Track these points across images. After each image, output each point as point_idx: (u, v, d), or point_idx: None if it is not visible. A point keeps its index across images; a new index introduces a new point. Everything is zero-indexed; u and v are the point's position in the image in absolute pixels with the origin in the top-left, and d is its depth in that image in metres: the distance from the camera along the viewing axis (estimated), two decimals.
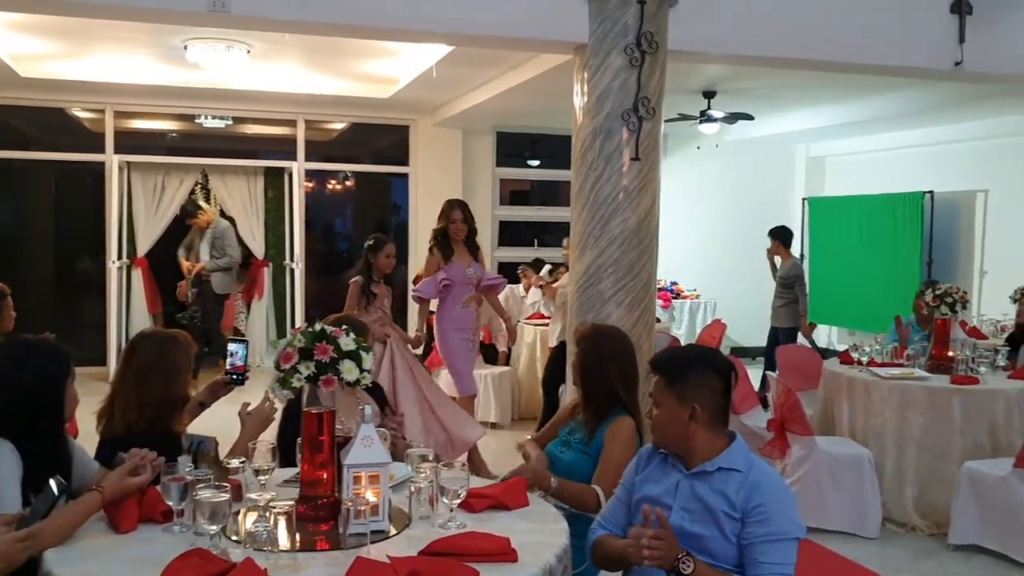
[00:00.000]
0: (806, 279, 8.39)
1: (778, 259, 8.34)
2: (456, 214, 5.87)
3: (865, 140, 10.61)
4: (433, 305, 6.11)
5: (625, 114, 5.27)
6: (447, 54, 6.93)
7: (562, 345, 6.20)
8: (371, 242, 5.64)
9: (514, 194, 11.37)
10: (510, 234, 11.10)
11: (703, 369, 2.45)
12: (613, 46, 5.27)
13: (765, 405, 6.23)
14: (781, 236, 8.32)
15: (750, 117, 8.85)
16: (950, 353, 5.31)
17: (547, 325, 7.35)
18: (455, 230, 5.86)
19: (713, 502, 2.35)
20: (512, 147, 11.02)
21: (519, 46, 6.04)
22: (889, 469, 4.98)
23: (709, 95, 8.59)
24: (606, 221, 5.33)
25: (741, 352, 10.53)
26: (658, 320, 7.93)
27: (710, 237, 11.28)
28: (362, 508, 2.24)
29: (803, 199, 11.13)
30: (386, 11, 5.18)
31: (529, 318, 8.08)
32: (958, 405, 4.87)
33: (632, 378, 3.16)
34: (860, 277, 9.78)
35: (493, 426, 7.27)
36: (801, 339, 8.28)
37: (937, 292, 5.40)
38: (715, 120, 8.82)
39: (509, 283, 7.49)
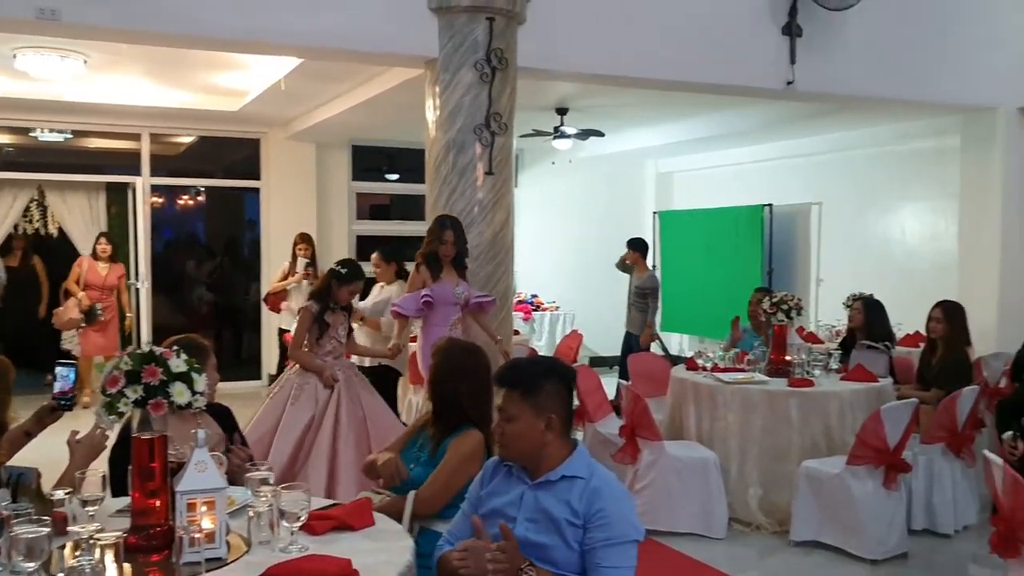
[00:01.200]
0: (659, 291, 8.66)
1: (635, 269, 8.60)
2: (448, 235, 5.25)
3: (710, 156, 11.08)
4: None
5: (477, 128, 5.32)
6: (296, 67, 6.81)
7: None
8: (343, 271, 5.08)
9: (374, 208, 11.27)
10: (371, 248, 10.95)
11: (554, 379, 2.49)
12: (464, 61, 5.31)
13: (619, 412, 6.37)
14: (639, 247, 8.58)
15: (601, 134, 9.10)
16: (788, 358, 5.59)
17: None
18: (446, 251, 5.28)
19: (556, 511, 2.38)
20: (369, 161, 10.91)
21: (369, 60, 6.00)
22: (734, 471, 5.18)
23: (562, 112, 8.78)
24: None
25: (599, 361, 10.79)
26: (517, 332, 8.06)
27: (568, 250, 11.50)
28: (196, 536, 2.15)
29: (654, 213, 11.51)
30: (228, 23, 5.05)
31: None
32: (795, 407, 5.13)
33: (482, 393, 3.16)
34: (707, 286, 10.19)
35: None
36: (655, 347, 8.56)
37: (774, 300, 5.67)
38: (568, 136, 9.03)
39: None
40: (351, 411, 4.98)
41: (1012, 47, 7.36)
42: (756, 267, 9.59)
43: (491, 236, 5.44)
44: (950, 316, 5.66)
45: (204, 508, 2.22)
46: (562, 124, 8.91)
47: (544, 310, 11.16)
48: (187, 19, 4.93)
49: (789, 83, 6.44)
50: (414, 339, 5.79)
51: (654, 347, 8.56)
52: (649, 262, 9.37)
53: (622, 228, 10.39)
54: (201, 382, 2.30)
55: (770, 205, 9.72)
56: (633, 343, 8.34)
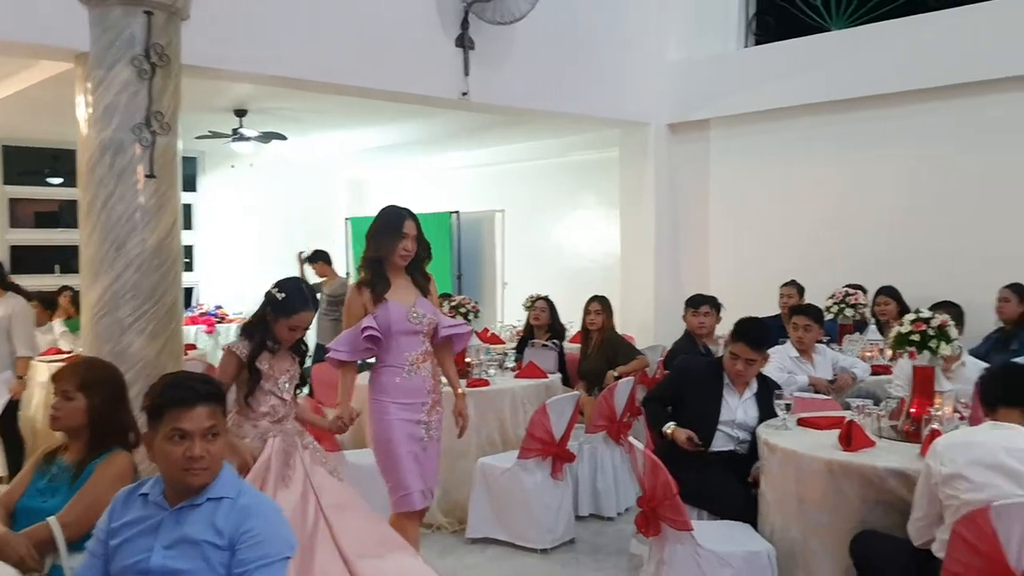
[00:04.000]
0: None
1: (326, 279, 8.48)
2: (410, 226, 3.85)
3: (400, 162, 11.23)
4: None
5: (136, 128, 4.95)
6: None
7: None
8: (281, 295, 3.53)
9: (40, 216, 10.19)
10: (34, 260, 9.91)
11: (211, 400, 2.38)
12: (119, 57, 4.93)
13: None
14: (320, 258, 8.44)
15: (283, 137, 8.88)
16: (467, 360, 5.76)
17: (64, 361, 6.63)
18: (402, 253, 3.83)
19: (197, 534, 2.25)
20: (29, 163, 9.86)
21: (7, 51, 5.38)
22: None
23: (241, 113, 8.45)
24: (121, 243, 4.96)
25: None
26: (193, 347, 7.63)
27: (256, 258, 11.09)
28: None
29: (346, 219, 11.44)
30: None
31: (44, 353, 7.23)
32: (473, 406, 5.25)
33: (118, 410, 2.96)
34: None
35: None
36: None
37: (452, 304, 5.83)
38: (248, 139, 8.72)
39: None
40: (300, 513, 3.29)
41: (660, 68, 8.14)
42: (446, 272, 9.84)
43: (156, 243, 5.07)
44: (607, 307, 6.17)
45: None
46: (241, 126, 8.59)
47: (229, 322, 10.68)
48: None
49: (464, 94, 6.65)
50: None
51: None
52: (341, 269, 9.31)
53: (312, 235, 10.21)
54: None
55: (457, 212, 10.02)
56: (323, 354, 8.18)
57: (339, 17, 6.06)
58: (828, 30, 7.55)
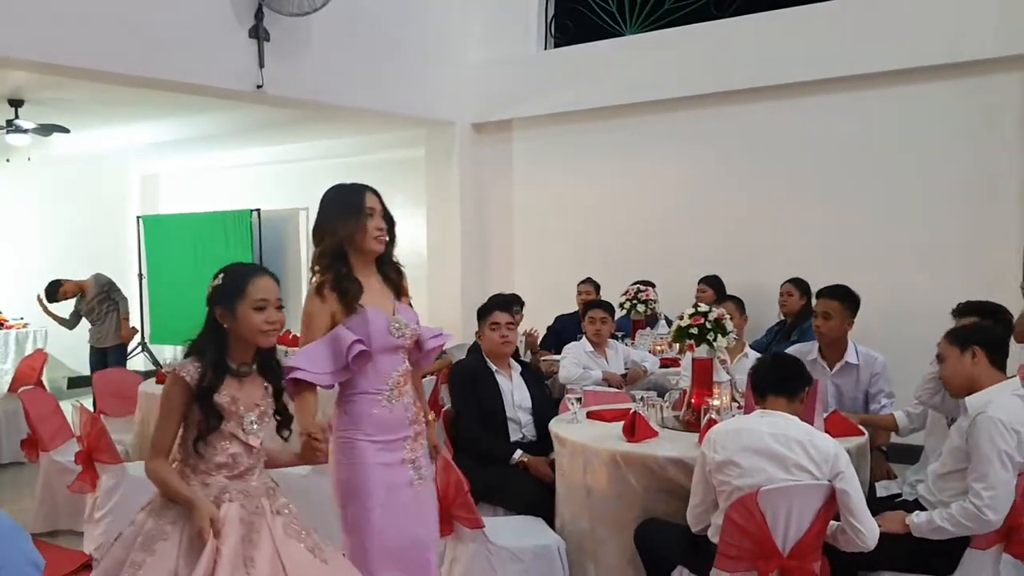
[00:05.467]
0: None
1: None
2: (374, 200, 2.97)
3: (196, 158, 10.69)
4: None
5: None
6: None
7: None
8: (220, 279, 2.56)
9: None
10: None
11: None
12: None
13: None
14: (58, 284, 7.55)
15: (65, 130, 8.23)
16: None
17: None
18: (376, 235, 2.94)
19: None
20: None
21: None
22: None
23: (16, 103, 7.76)
24: None
25: (82, 382, 9.78)
26: None
27: (38, 259, 10.26)
28: None
29: (138, 217, 10.79)
30: None
31: None
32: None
33: None
34: (198, 294, 9.77)
35: None
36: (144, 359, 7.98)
37: None
38: (25, 131, 8.02)
39: None
40: None
41: (463, 67, 8.16)
42: None
43: None
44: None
45: None
46: (16, 117, 7.88)
47: (9, 327, 9.84)
48: None
49: (259, 87, 6.40)
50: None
51: (143, 359, 7.98)
52: (133, 269, 8.75)
53: (101, 235, 9.58)
54: None
55: (258, 210, 9.66)
56: (110, 359, 7.65)
57: (126, 4, 5.67)
58: (623, 35, 7.81)
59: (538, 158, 8.18)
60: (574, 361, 5.44)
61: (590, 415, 4.14)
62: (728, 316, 4.02)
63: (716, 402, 3.84)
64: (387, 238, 2.98)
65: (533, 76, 7.98)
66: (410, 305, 3.11)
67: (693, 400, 3.89)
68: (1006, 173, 6.01)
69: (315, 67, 6.78)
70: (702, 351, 3.92)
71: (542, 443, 4.23)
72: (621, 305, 6.40)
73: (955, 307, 3.96)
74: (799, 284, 6.12)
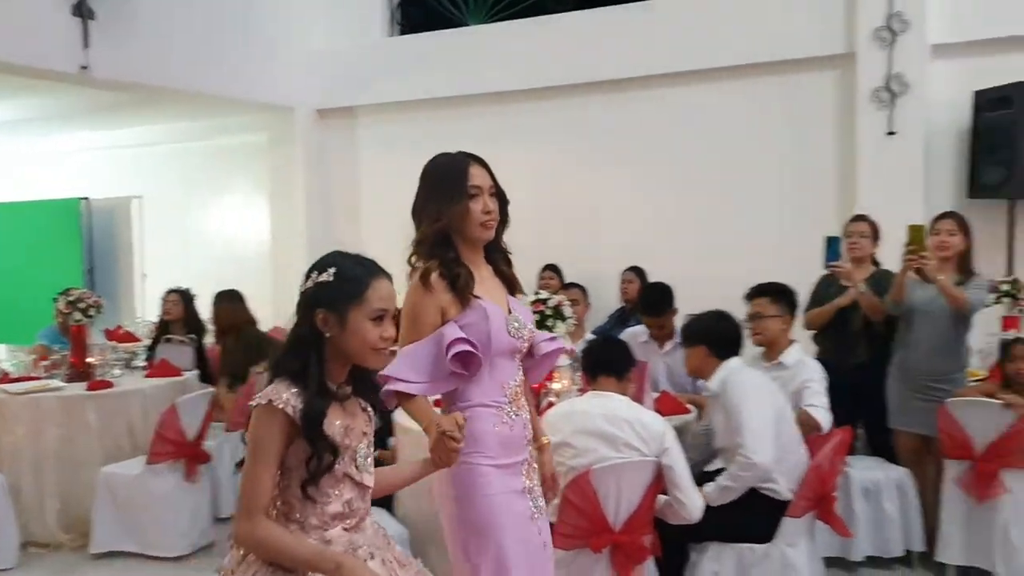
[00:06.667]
0: None
1: None
2: (481, 175, 2.47)
3: (16, 142, 9.98)
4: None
5: None
6: None
7: None
8: (330, 274, 1.96)
9: None
10: None
11: None
12: None
13: None
14: None
15: None
16: (89, 359, 5.26)
17: None
18: (483, 218, 2.44)
19: None
20: None
21: None
22: (27, 489, 4.71)
23: None
24: None
25: None
26: None
27: None
28: None
29: None
30: None
31: None
32: (93, 411, 4.83)
33: None
34: (19, 288, 9.16)
35: None
36: None
37: (71, 299, 5.29)
38: None
39: None
40: None
41: (306, 52, 7.98)
42: (75, 265, 8.92)
43: None
44: (235, 300, 5.91)
45: None
46: None
47: None
48: None
49: (83, 68, 6.04)
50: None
51: None
52: None
53: None
54: None
55: (87, 199, 9.14)
56: None
57: None
58: (467, 24, 7.84)
59: (386, 146, 8.09)
60: None
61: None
62: (572, 302, 4.12)
63: (556, 386, 3.92)
64: (497, 220, 2.45)
65: (378, 63, 7.89)
66: (525, 301, 2.57)
67: (534, 385, 3.96)
68: (821, 164, 6.40)
69: (146, 48, 6.46)
70: None
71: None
72: None
73: (747, 291, 4.17)
74: (639, 272, 6.33)
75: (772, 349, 4.00)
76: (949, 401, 4.05)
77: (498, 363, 2.39)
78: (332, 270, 1.94)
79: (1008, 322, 4.97)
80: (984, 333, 4.79)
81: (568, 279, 6.53)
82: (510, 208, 2.56)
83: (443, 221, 2.38)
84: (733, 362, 3.53)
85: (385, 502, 3.88)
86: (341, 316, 1.92)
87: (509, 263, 2.53)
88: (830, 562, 4.10)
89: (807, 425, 3.67)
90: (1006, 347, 4.15)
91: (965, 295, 4.13)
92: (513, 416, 2.40)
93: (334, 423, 1.93)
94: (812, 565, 3.50)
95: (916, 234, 4.17)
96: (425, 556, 3.65)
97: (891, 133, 5.97)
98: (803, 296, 4.49)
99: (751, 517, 3.33)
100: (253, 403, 1.89)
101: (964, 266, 4.28)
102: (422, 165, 2.60)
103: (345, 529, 1.97)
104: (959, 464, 4.06)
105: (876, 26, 5.96)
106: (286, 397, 1.87)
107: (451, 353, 2.29)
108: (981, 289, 4.29)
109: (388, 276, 2.02)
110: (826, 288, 4.71)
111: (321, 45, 8.03)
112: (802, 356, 4.00)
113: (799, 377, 3.87)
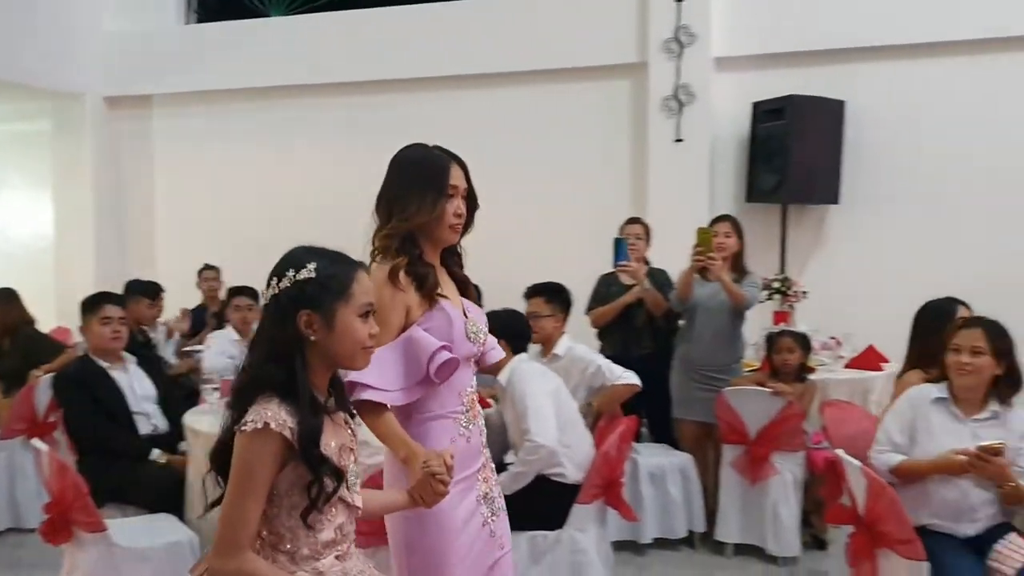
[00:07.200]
0: None
1: None
2: (459, 176, 2.32)
3: None
4: None
5: None
6: None
7: None
8: (310, 269, 1.76)
9: None
10: None
11: None
12: None
13: None
14: None
15: None
16: None
17: None
18: (453, 222, 2.30)
19: None
20: None
21: None
22: None
23: None
24: None
25: None
26: None
27: None
28: None
29: None
30: None
31: None
32: None
33: None
34: None
35: None
36: None
37: None
38: None
39: None
40: None
41: (96, 36, 7.52)
42: None
43: None
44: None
45: None
46: None
47: None
48: None
49: None
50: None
51: None
52: None
53: None
54: None
55: None
56: None
57: None
58: (267, 15, 7.65)
59: (183, 137, 7.75)
60: (219, 351, 5.26)
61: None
62: None
63: None
64: (459, 234, 2.33)
65: (174, 51, 7.55)
66: (478, 303, 2.48)
67: None
68: (618, 168, 6.69)
69: None
70: None
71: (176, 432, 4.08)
72: (262, 294, 6.28)
73: (524, 291, 4.33)
74: None
75: (547, 345, 4.22)
76: (726, 390, 4.38)
77: (457, 375, 2.25)
78: (312, 265, 1.74)
79: (779, 316, 5.39)
80: (759, 328, 5.18)
81: None
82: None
83: (418, 218, 2.23)
84: (520, 356, 3.67)
85: (175, 506, 3.75)
86: (328, 315, 1.72)
87: (462, 266, 2.43)
88: (620, 546, 4.34)
89: (627, 394, 4.01)
90: (771, 340, 4.53)
91: (743, 292, 4.48)
92: (470, 426, 2.29)
93: (329, 443, 1.73)
94: (602, 549, 3.69)
95: (704, 236, 4.46)
96: None
97: (679, 140, 6.34)
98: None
99: (542, 504, 3.46)
100: (245, 428, 1.64)
101: (738, 265, 4.63)
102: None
103: (336, 557, 1.78)
104: (735, 449, 4.39)
105: (665, 38, 6.32)
106: (281, 417, 1.65)
107: (438, 363, 2.14)
108: (755, 287, 4.66)
109: (366, 267, 1.88)
110: (607, 287, 4.96)
111: (112, 30, 7.60)
112: (571, 344, 4.22)
113: (577, 364, 4.11)
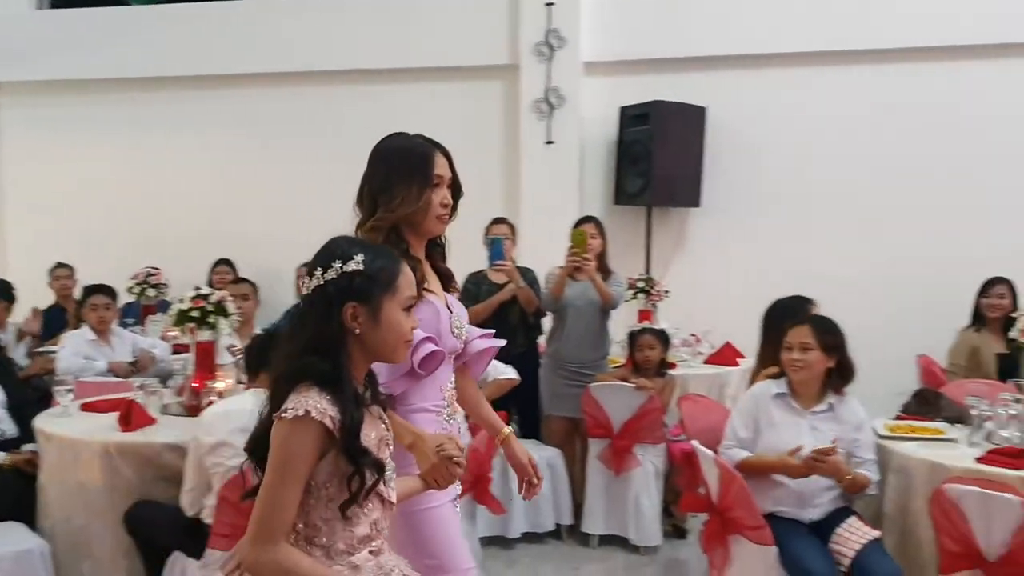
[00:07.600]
0: None
1: None
2: (444, 166, 2.26)
3: None
4: None
5: None
6: None
7: None
8: (357, 260, 1.71)
9: None
10: None
11: None
12: None
13: None
14: None
15: None
16: None
17: None
18: (439, 213, 2.24)
19: None
20: None
21: None
22: None
23: None
24: None
25: None
26: None
27: None
28: None
29: None
30: None
31: None
32: None
33: None
34: None
35: None
36: None
37: None
38: None
39: None
40: None
41: None
42: None
43: None
44: None
45: None
46: None
47: None
48: None
49: None
50: None
51: None
52: None
53: None
54: None
55: None
56: None
57: None
58: (128, 4, 7.37)
59: (34, 129, 7.36)
60: (74, 351, 5.03)
61: (84, 407, 3.89)
62: (241, 297, 4.04)
63: (220, 385, 3.83)
64: (445, 225, 2.29)
65: (25, 37, 7.18)
66: (459, 297, 2.44)
67: (195, 384, 3.84)
68: (492, 170, 6.77)
69: None
70: (204, 334, 3.89)
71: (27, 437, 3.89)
72: (130, 290, 6.06)
73: None
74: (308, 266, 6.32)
75: None
76: (591, 385, 4.51)
77: (441, 370, 2.24)
78: (360, 257, 1.71)
79: (643, 315, 5.57)
80: (624, 326, 5.34)
81: (244, 274, 6.34)
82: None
83: (403, 209, 2.18)
84: None
85: (26, 515, 3.57)
86: (374, 308, 1.70)
87: (445, 258, 2.39)
88: (489, 541, 4.41)
89: (507, 387, 4.19)
90: (633, 337, 4.70)
91: (612, 291, 4.62)
92: (451, 420, 2.27)
93: (369, 435, 1.71)
94: (471, 545, 3.72)
95: (579, 237, 4.59)
96: (79, 571, 3.45)
97: (550, 142, 6.48)
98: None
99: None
100: (285, 415, 1.60)
101: (602, 265, 4.77)
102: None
103: (371, 552, 1.74)
104: (600, 442, 4.53)
105: (536, 41, 6.44)
106: (324, 407, 1.62)
107: (422, 354, 2.10)
108: (620, 286, 4.82)
109: (406, 261, 1.86)
110: (477, 286, 5.01)
111: None
112: None
113: None
